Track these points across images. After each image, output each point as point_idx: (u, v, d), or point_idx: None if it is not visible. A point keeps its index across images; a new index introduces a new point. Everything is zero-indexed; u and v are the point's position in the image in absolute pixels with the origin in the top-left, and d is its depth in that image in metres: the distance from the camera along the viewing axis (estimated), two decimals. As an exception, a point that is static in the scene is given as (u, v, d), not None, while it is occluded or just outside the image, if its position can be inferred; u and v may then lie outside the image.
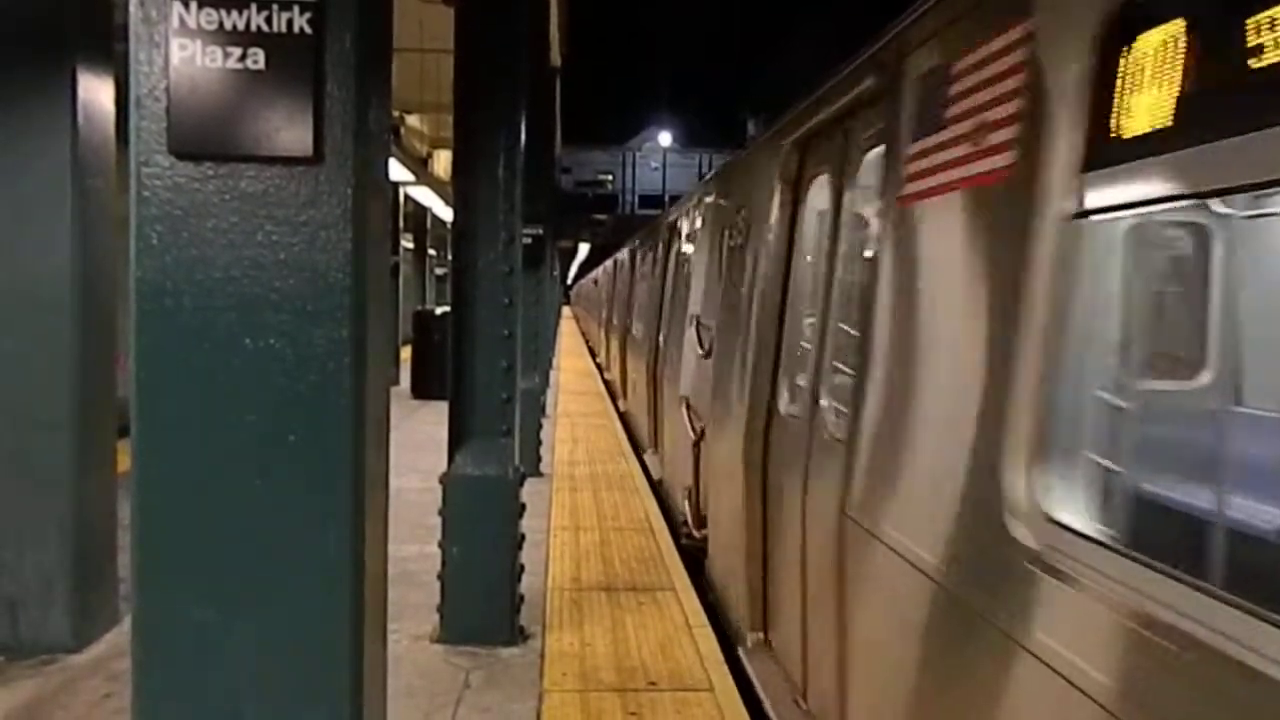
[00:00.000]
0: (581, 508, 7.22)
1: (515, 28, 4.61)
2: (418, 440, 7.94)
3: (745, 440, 4.28)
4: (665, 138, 54.49)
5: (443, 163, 19.83)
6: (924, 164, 2.52)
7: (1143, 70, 1.72)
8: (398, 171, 12.75)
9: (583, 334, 32.57)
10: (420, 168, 16.86)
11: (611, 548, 6.12)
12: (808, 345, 3.83)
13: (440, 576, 4.40)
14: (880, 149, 2.95)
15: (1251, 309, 2.75)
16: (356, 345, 1.94)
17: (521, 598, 4.55)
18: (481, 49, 4.52)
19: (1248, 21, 1.47)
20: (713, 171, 7.32)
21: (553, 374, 16.28)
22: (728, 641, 4.56)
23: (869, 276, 2.92)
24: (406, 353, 13.97)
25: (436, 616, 4.43)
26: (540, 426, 8.82)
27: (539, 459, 8.47)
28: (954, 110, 2.37)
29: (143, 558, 1.95)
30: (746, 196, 4.89)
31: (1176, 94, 1.64)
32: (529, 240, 7.75)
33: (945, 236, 2.43)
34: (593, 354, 23.18)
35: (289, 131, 1.88)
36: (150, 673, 1.96)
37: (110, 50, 4.21)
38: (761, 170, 4.58)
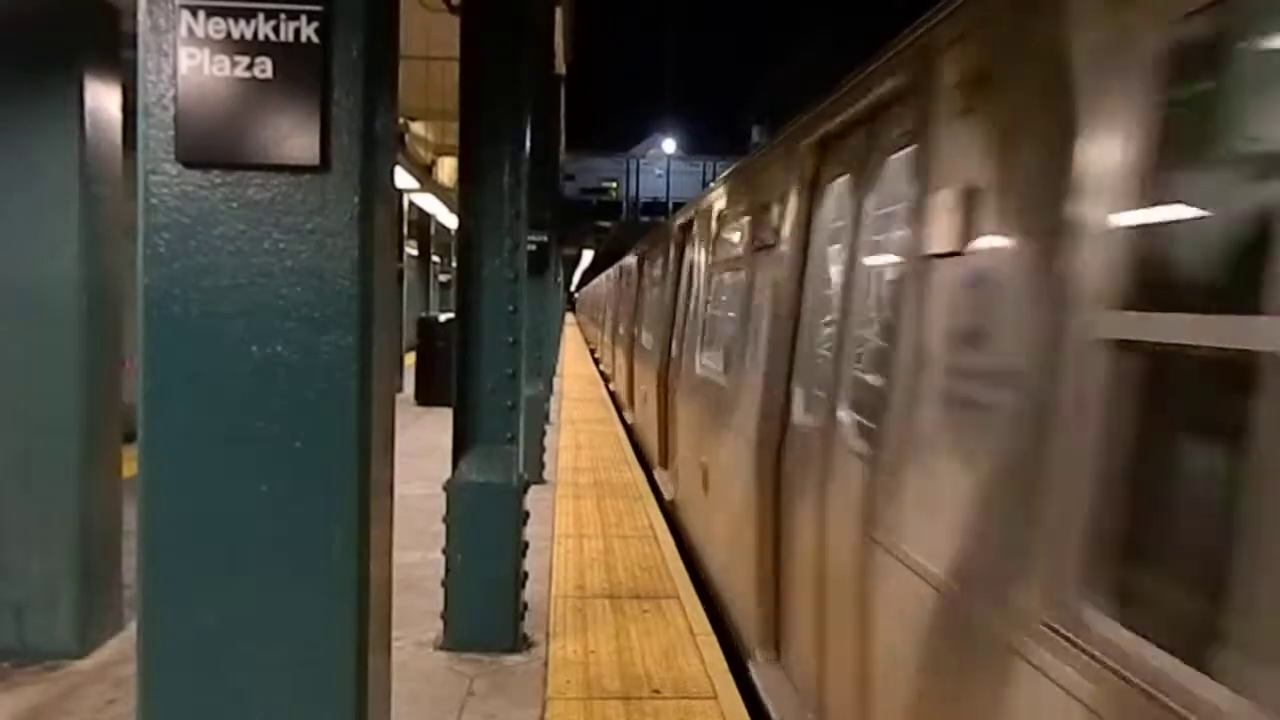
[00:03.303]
0: (585, 515, 7.22)
1: (519, 35, 4.62)
2: (422, 447, 7.94)
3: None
4: (669, 145, 54.41)
5: (447, 170, 19.86)
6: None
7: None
8: (403, 179, 12.78)
9: (587, 343, 32.56)
10: (425, 175, 16.89)
11: (615, 555, 6.11)
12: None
13: (444, 583, 4.40)
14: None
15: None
16: (363, 352, 1.94)
17: (525, 605, 4.55)
18: (486, 57, 4.54)
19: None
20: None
21: (556, 381, 16.28)
22: (732, 650, 4.55)
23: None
24: (411, 359, 13.98)
25: (440, 623, 4.43)
26: (544, 433, 8.82)
27: (543, 466, 8.46)
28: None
29: (148, 564, 1.95)
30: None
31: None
32: (533, 247, 7.76)
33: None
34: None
35: (296, 140, 1.89)
36: (155, 679, 1.96)
37: (118, 58, 4.23)
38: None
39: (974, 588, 2.05)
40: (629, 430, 11.63)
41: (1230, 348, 1.43)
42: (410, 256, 21.02)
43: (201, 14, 1.86)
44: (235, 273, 1.92)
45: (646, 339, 10.50)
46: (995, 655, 1.92)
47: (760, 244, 4.77)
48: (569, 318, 40.64)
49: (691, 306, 7.12)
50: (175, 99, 1.87)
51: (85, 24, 4.11)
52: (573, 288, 59.64)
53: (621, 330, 14.32)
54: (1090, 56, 1.82)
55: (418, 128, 17.45)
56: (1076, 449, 1.72)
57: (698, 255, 7.15)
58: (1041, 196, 1.94)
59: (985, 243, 2.16)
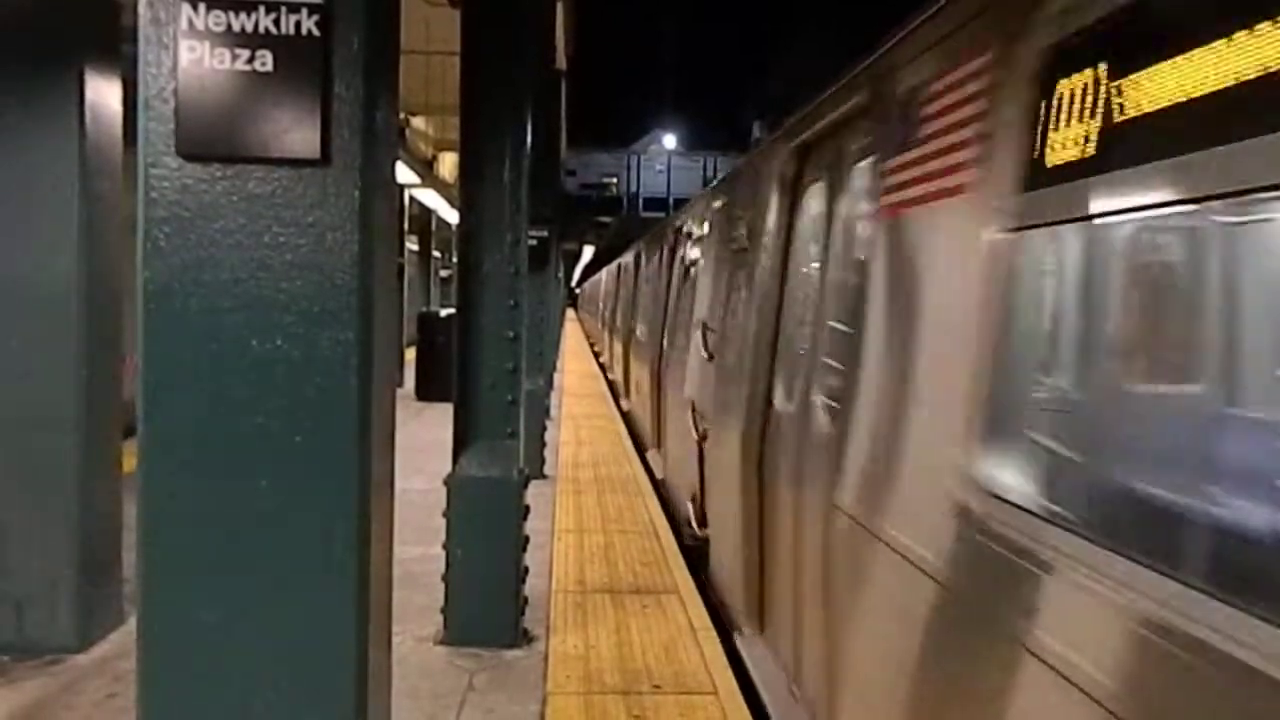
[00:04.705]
0: (586, 510, 7.22)
1: (520, 30, 4.61)
2: (422, 442, 7.93)
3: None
4: (670, 140, 54.25)
5: (448, 165, 19.86)
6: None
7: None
8: (403, 174, 12.78)
9: (587, 337, 32.57)
10: (426, 170, 16.88)
11: (616, 550, 6.11)
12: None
13: (444, 578, 4.40)
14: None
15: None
16: (363, 347, 1.94)
17: (525, 600, 4.55)
18: (487, 51, 4.53)
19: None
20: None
21: (557, 377, 16.28)
22: (732, 645, 4.56)
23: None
24: (411, 354, 13.97)
25: (440, 618, 4.43)
26: (544, 429, 8.82)
27: (543, 461, 8.47)
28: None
29: (148, 559, 1.95)
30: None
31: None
32: (534, 242, 7.75)
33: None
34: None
35: (297, 133, 1.88)
36: (155, 673, 1.96)
37: (118, 52, 4.22)
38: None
39: None
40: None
41: None
42: (411, 252, 21.02)
43: (202, 7, 1.86)
44: (235, 267, 1.91)
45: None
46: None
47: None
48: (569, 314, 40.58)
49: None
50: (176, 92, 1.87)
51: (85, 18, 4.10)
52: (573, 283, 59.53)
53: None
54: None
55: (418, 122, 17.45)
56: None
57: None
58: None
59: None
